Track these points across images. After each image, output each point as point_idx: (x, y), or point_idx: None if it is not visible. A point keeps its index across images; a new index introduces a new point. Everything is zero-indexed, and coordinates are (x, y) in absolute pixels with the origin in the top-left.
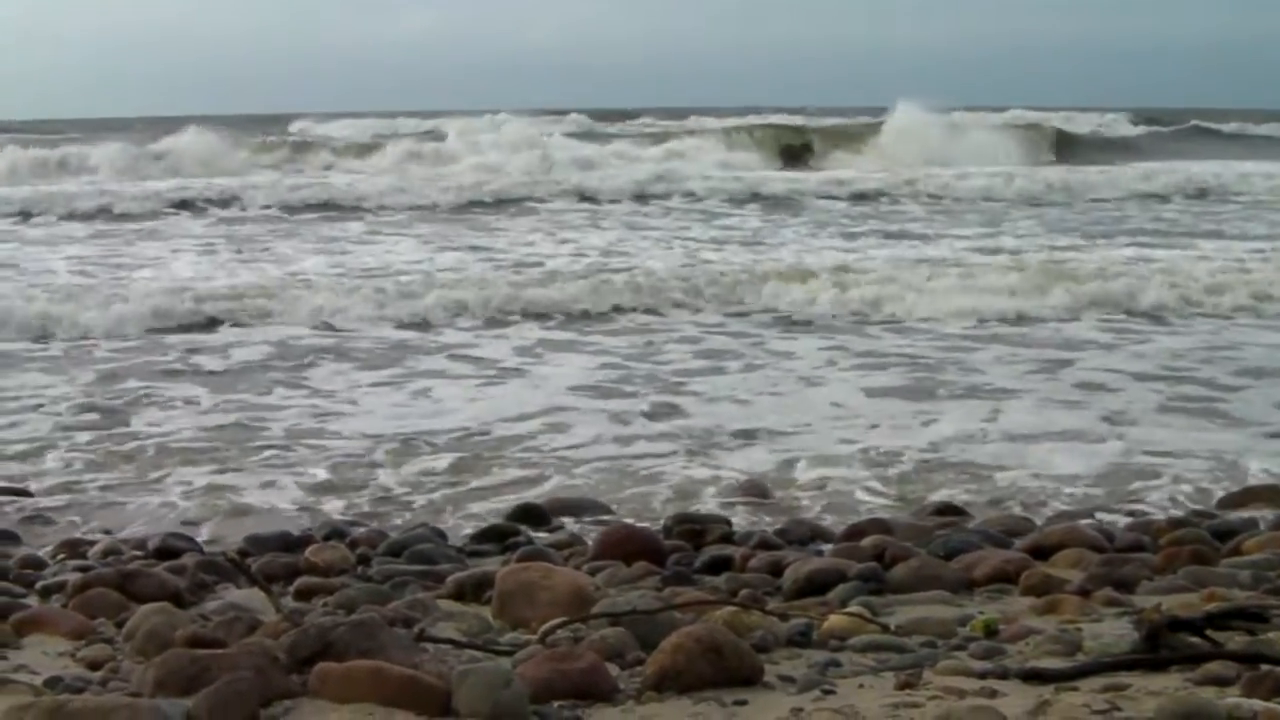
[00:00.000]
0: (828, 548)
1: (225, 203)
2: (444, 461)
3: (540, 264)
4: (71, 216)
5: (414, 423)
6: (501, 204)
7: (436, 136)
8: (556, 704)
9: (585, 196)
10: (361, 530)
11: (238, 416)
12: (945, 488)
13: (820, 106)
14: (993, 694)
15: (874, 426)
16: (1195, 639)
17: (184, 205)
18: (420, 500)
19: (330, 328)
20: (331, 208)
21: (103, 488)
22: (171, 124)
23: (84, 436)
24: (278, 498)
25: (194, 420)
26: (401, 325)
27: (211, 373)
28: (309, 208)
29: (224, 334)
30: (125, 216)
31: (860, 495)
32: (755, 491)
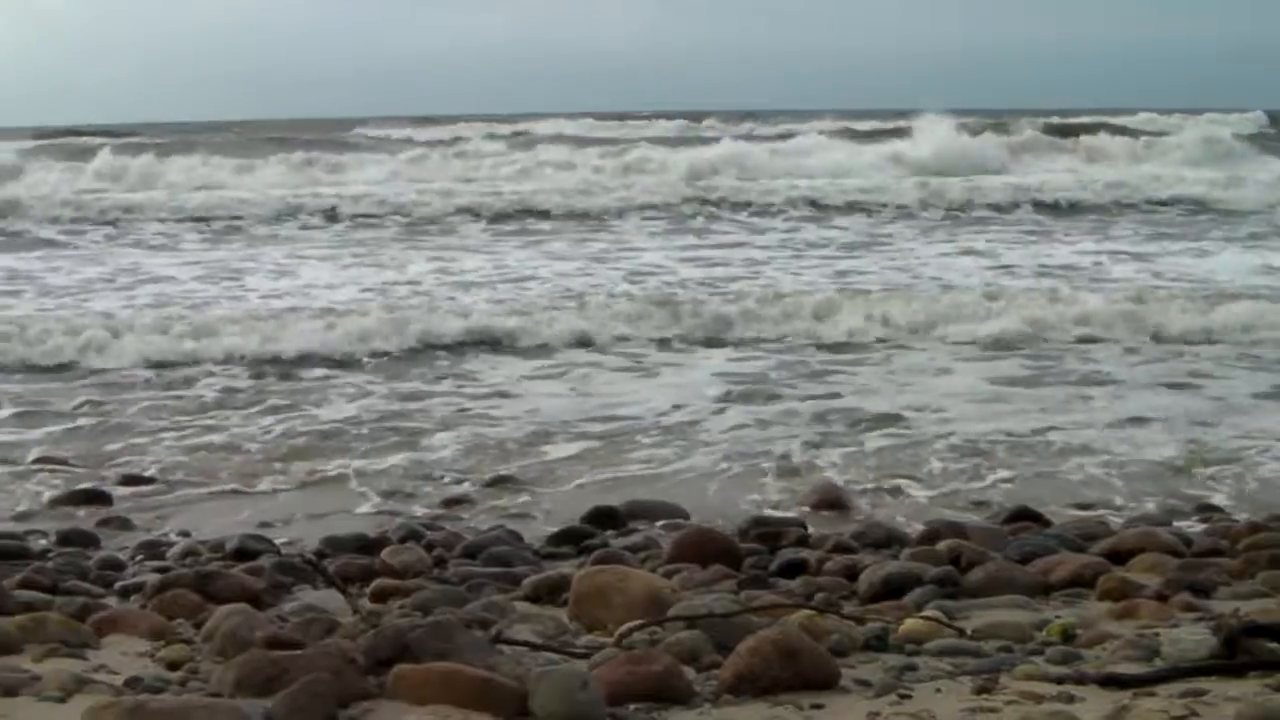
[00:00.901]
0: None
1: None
2: None
3: None
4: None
5: None
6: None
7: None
8: (632, 707)
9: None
10: (438, 533)
11: None
12: None
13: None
14: (1070, 699)
15: None
16: (1274, 645)
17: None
18: None
19: None
20: None
21: None
22: (250, 127)
23: None
24: None
25: None
26: None
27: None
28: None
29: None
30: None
31: None
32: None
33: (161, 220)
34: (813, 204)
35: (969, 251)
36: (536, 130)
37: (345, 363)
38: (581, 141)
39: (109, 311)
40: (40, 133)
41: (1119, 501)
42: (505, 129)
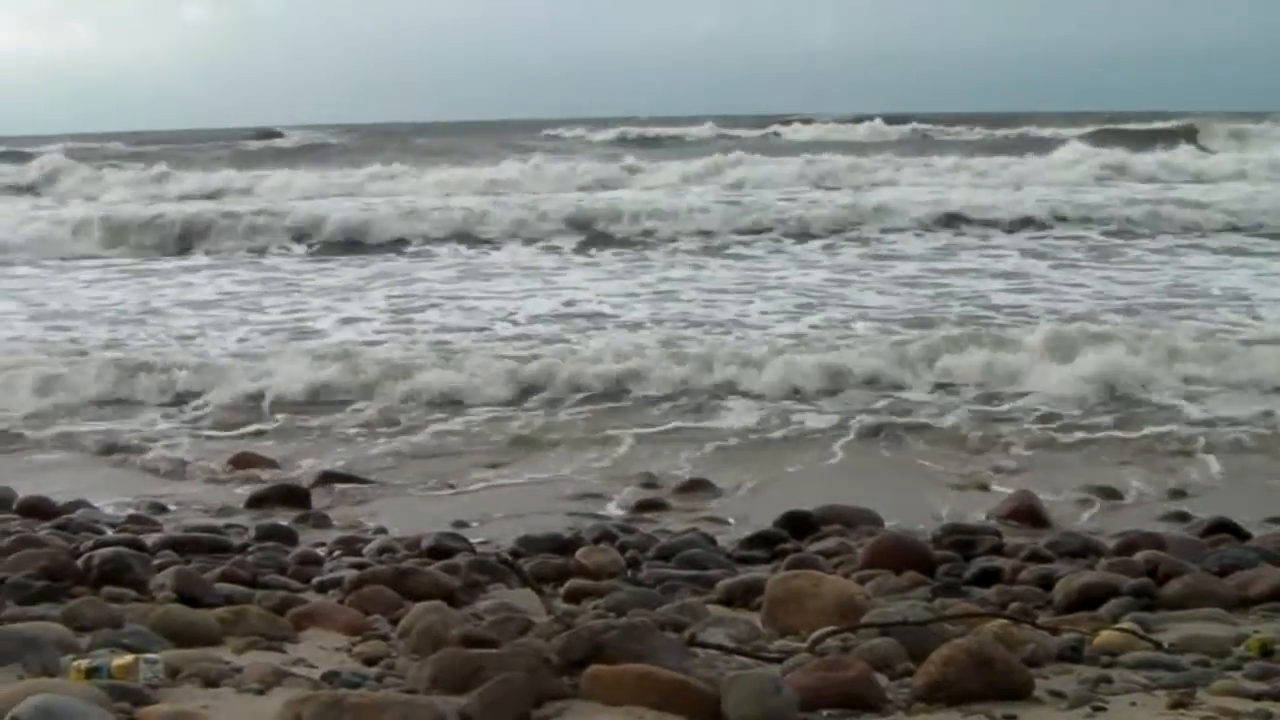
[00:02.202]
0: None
1: None
2: None
3: None
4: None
5: None
6: None
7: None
8: (825, 713)
9: None
10: (632, 535)
11: None
12: None
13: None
14: (1268, 716)
15: None
16: None
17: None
18: None
19: None
20: None
21: None
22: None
23: None
24: None
25: None
26: None
27: None
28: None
29: None
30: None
31: None
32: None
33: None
34: None
35: None
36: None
37: None
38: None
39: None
40: (262, 132)
41: None
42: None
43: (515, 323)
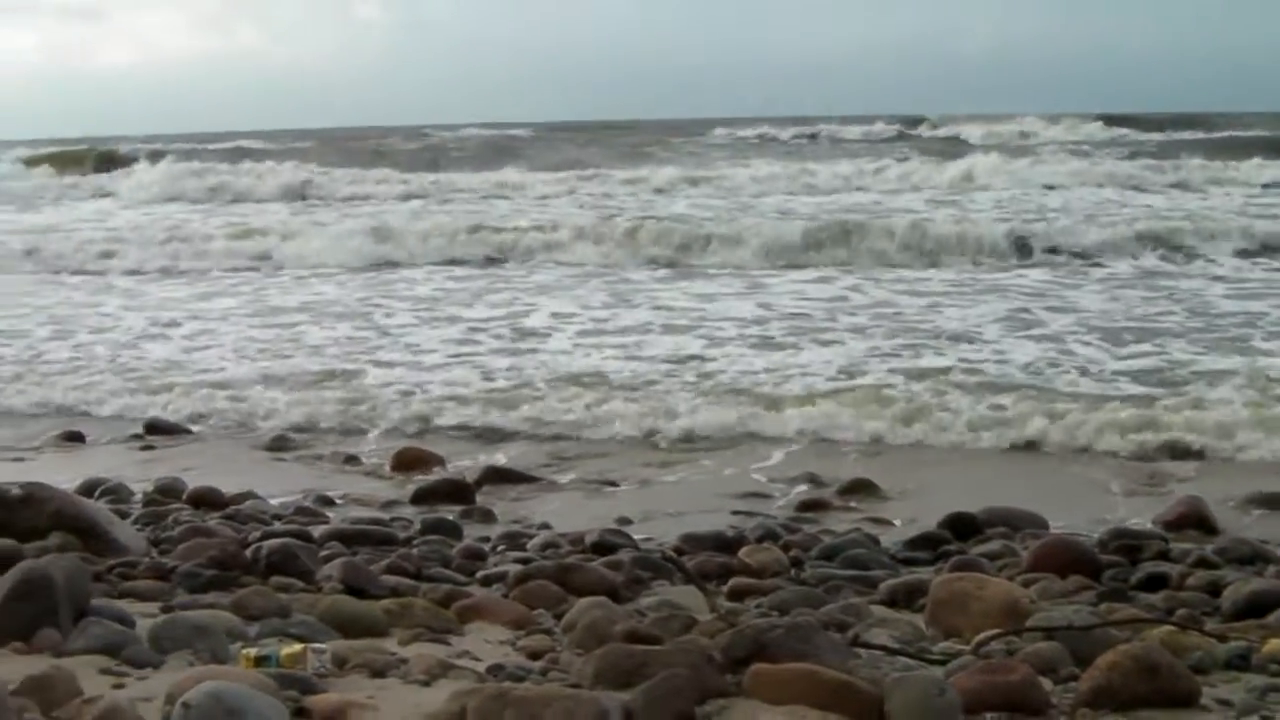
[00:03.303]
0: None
1: None
2: None
3: None
4: None
5: None
6: None
7: None
8: (988, 716)
9: None
10: (795, 534)
11: None
12: None
13: None
14: None
15: None
16: None
17: None
18: None
19: None
20: None
21: None
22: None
23: None
24: None
25: None
26: None
27: None
28: None
29: None
30: None
31: None
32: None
33: None
34: None
35: None
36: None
37: None
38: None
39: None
40: (413, 133)
41: None
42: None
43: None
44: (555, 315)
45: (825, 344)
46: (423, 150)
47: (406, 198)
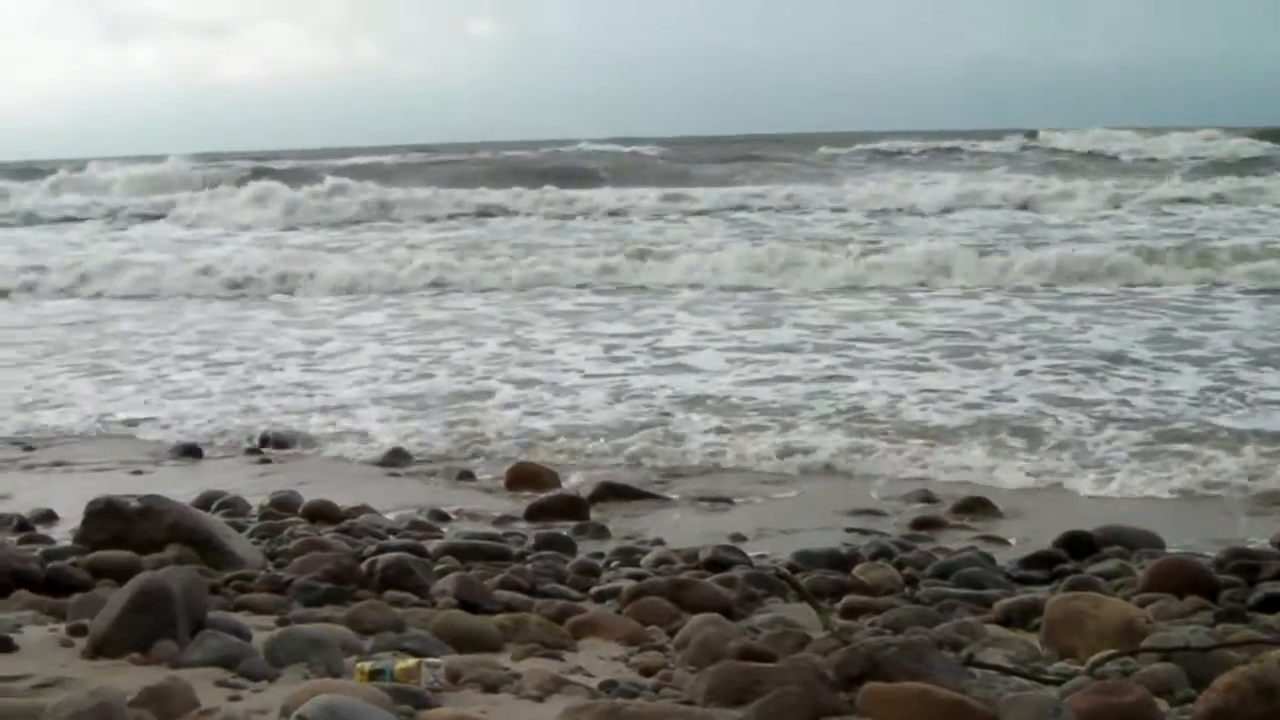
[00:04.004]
0: None
1: None
2: None
3: None
4: None
5: None
6: None
7: None
8: None
9: None
10: (909, 552)
11: None
12: None
13: None
14: None
15: None
16: None
17: None
18: None
19: None
20: None
21: None
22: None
23: None
24: None
25: None
26: None
27: None
28: None
29: None
30: None
31: None
32: None
33: None
34: None
35: None
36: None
37: None
38: None
39: None
40: (529, 147)
41: None
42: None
43: None
44: (699, 333)
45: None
46: (553, 166)
47: (561, 217)
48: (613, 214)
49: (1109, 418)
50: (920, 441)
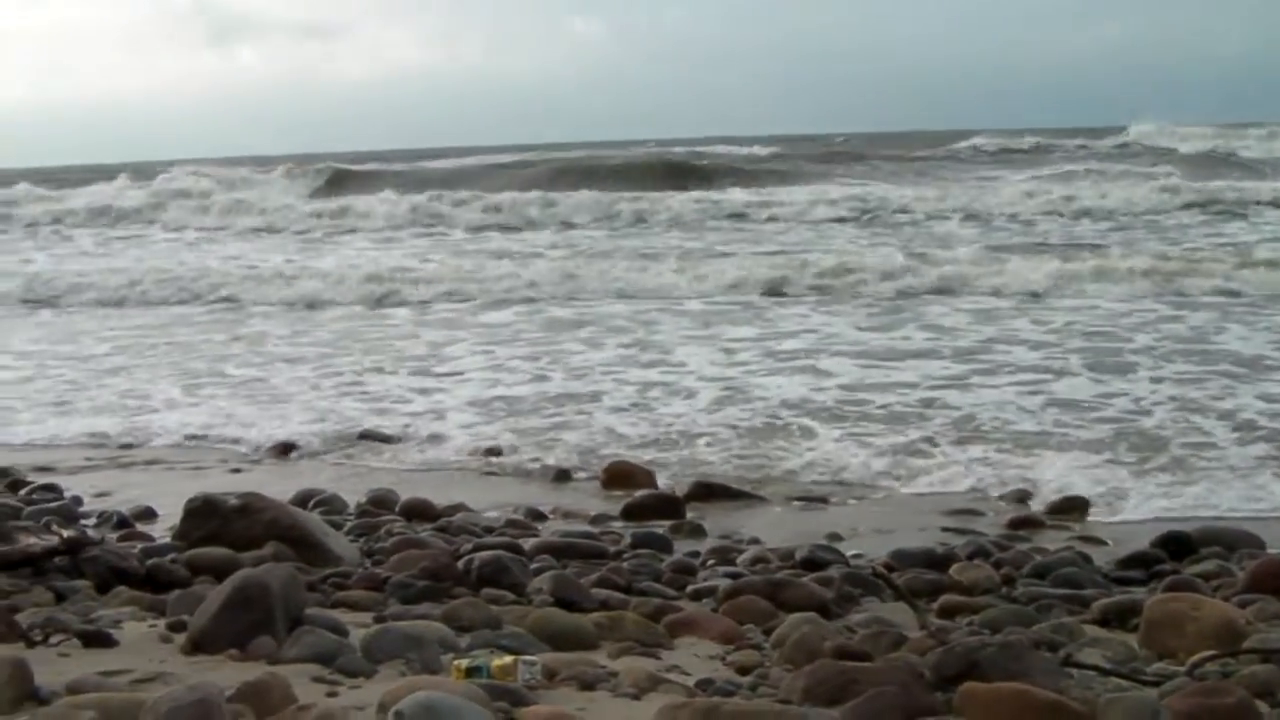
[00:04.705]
0: None
1: None
2: None
3: None
4: None
5: None
6: None
7: None
8: None
9: None
10: (1006, 552)
11: None
12: None
13: None
14: None
15: None
16: None
17: None
18: None
19: None
20: None
21: None
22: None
23: None
24: None
25: None
26: None
27: None
28: None
29: None
30: None
31: None
32: None
33: None
34: None
35: None
36: None
37: None
38: None
39: None
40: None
41: None
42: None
43: None
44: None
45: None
46: (671, 168)
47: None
48: (773, 218)
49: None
50: (1022, 450)
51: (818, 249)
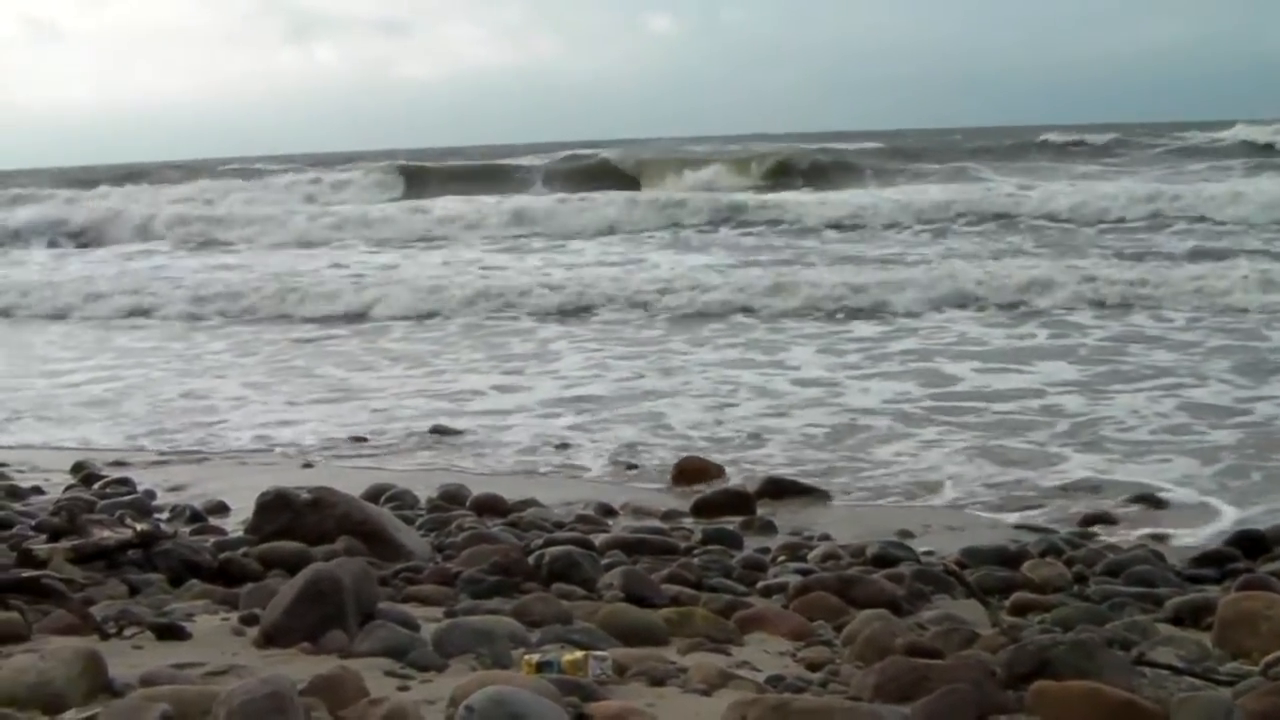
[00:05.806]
0: None
1: None
2: None
3: None
4: None
5: None
6: None
7: None
8: None
9: None
10: (1079, 549)
11: None
12: None
13: None
14: None
15: None
16: None
17: None
18: None
19: None
20: None
21: None
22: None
23: None
24: None
25: None
26: None
27: None
28: None
29: None
30: None
31: None
32: None
33: None
34: None
35: None
36: None
37: None
38: None
39: None
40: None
41: None
42: None
43: None
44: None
45: None
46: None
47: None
48: (929, 221)
49: None
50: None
51: None
